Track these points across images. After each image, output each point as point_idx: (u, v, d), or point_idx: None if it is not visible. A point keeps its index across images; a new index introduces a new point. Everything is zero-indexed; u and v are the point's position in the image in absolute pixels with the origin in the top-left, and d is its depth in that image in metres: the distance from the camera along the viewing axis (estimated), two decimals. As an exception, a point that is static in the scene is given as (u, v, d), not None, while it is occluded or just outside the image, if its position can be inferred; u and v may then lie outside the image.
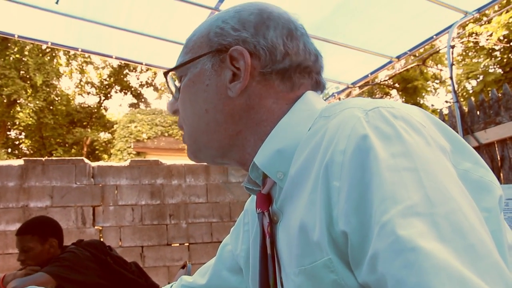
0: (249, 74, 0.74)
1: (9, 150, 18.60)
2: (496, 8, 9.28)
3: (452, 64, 4.43)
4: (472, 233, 0.46)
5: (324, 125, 0.65)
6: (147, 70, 21.02)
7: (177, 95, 0.83)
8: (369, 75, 5.26)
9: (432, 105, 18.56)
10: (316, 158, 0.62)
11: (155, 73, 21.55)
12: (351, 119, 0.59)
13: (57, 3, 3.74)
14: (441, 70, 16.35)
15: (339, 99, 5.71)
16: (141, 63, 5.27)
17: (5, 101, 16.77)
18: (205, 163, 0.86)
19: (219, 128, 0.76)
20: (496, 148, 3.82)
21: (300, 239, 0.62)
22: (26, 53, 16.90)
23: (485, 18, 8.66)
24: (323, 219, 0.57)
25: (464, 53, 15.05)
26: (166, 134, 14.21)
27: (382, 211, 0.49)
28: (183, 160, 7.07)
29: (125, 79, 21.75)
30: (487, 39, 12.70)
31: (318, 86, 0.81)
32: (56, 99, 18.83)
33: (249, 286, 0.90)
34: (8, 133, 18.73)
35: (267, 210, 0.74)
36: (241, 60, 0.74)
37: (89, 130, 19.34)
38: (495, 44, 12.76)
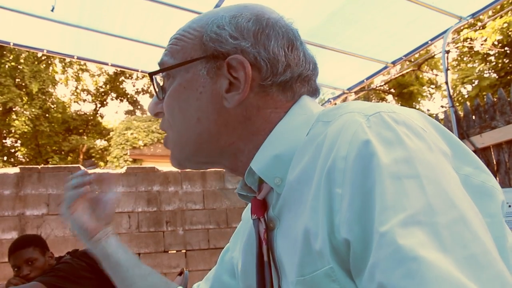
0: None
1: (5, 158, 18.51)
2: (490, 13, 9.33)
3: (447, 69, 4.45)
4: (475, 242, 0.45)
5: (324, 130, 0.63)
6: (143, 77, 20.98)
7: (161, 96, 0.79)
8: (365, 80, 5.28)
9: (428, 110, 18.64)
10: (317, 164, 0.61)
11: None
12: (352, 124, 0.58)
13: (52, 10, 3.74)
14: (436, 75, 16.42)
15: (335, 104, 5.71)
16: (137, 70, 5.27)
17: (0, 109, 16.72)
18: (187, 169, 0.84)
19: (211, 138, 0.73)
20: (492, 152, 3.84)
21: (302, 248, 0.61)
22: (22, 60, 16.87)
23: (479, 23, 8.71)
24: (325, 226, 0.56)
25: (459, 58, 15.13)
26: (163, 141, 14.20)
27: (382, 220, 0.48)
28: (179, 166, 7.05)
29: (121, 86, 21.73)
30: (481, 44, 12.77)
31: (315, 92, 0.79)
32: (52, 106, 18.78)
33: None
34: (4, 141, 18.65)
35: (263, 216, 0.72)
36: (240, 70, 0.70)
37: (85, 137, 19.28)
38: (489, 49, 12.83)
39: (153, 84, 0.79)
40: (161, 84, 0.80)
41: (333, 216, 0.55)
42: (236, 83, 0.71)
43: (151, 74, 0.78)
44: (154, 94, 0.81)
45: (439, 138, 0.59)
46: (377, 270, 0.47)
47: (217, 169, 6.44)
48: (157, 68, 0.80)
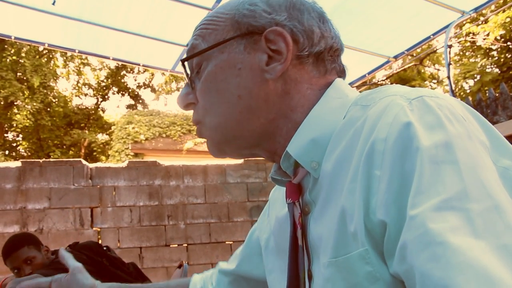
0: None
1: (7, 152, 18.53)
2: (493, 7, 9.30)
3: (449, 64, 4.44)
4: (508, 233, 0.44)
5: (363, 114, 0.63)
6: (144, 71, 20.94)
7: (196, 84, 0.78)
8: (367, 75, 5.27)
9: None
10: (356, 147, 0.60)
11: (152, 74, 21.49)
12: (393, 107, 0.58)
13: (53, 4, 3.73)
14: (438, 70, 16.39)
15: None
16: (139, 64, 5.26)
17: (2, 103, 16.72)
18: (227, 157, 0.81)
19: (252, 115, 0.73)
20: (494, 147, 3.84)
21: (337, 229, 0.61)
22: (23, 54, 16.84)
23: (482, 18, 8.67)
24: (361, 208, 0.56)
25: (461, 53, 15.10)
26: (164, 135, 14.18)
27: (415, 203, 0.48)
28: (181, 161, 7.07)
29: (122, 80, 21.68)
30: (484, 39, 12.73)
31: (343, 72, 0.80)
32: (54, 100, 18.77)
33: (267, 276, 0.87)
34: (6, 135, 18.67)
35: (298, 200, 0.72)
36: (280, 41, 0.71)
37: (86, 131, 19.27)
38: (492, 44, 12.80)
39: (186, 73, 0.78)
40: (189, 73, 0.79)
41: (370, 198, 0.55)
42: (275, 55, 0.72)
43: (184, 60, 0.77)
44: (184, 84, 0.80)
45: (479, 129, 0.58)
46: (407, 251, 0.47)
47: (218, 163, 6.46)
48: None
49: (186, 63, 0.78)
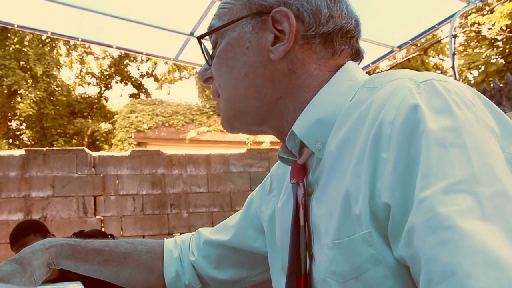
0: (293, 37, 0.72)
1: (10, 140, 18.59)
2: (499, -3, 9.21)
3: (453, 54, 4.41)
4: None
5: (370, 96, 0.63)
6: (147, 60, 20.88)
7: (210, 61, 0.80)
8: (370, 64, 5.24)
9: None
10: (362, 129, 0.60)
11: (155, 63, 21.44)
12: (401, 89, 0.58)
13: (57, -8, 3.71)
14: (442, 60, 16.28)
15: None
16: (142, 53, 5.25)
17: (5, 91, 16.73)
18: (238, 133, 0.83)
19: (258, 93, 0.74)
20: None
21: (341, 212, 0.60)
22: (26, 43, 16.80)
23: (487, 8, 8.60)
24: (366, 191, 0.56)
25: (466, 43, 14.99)
26: (167, 124, 14.17)
27: (423, 186, 0.48)
28: (184, 150, 7.07)
29: (125, 69, 21.65)
30: (489, 29, 12.63)
31: (357, 55, 0.79)
32: (57, 89, 18.76)
33: (270, 252, 0.88)
34: (9, 123, 18.72)
35: (302, 180, 0.72)
36: (284, 22, 0.72)
37: (89, 120, 19.28)
38: (497, 34, 12.70)
39: (202, 50, 0.81)
40: (211, 52, 0.81)
41: (376, 181, 0.55)
42: (281, 36, 0.73)
43: (199, 38, 0.80)
44: (204, 60, 0.83)
45: (488, 114, 0.57)
46: (414, 235, 0.47)
47: (221, 153, 6.46)
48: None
49: (204, 40, 0.80)
